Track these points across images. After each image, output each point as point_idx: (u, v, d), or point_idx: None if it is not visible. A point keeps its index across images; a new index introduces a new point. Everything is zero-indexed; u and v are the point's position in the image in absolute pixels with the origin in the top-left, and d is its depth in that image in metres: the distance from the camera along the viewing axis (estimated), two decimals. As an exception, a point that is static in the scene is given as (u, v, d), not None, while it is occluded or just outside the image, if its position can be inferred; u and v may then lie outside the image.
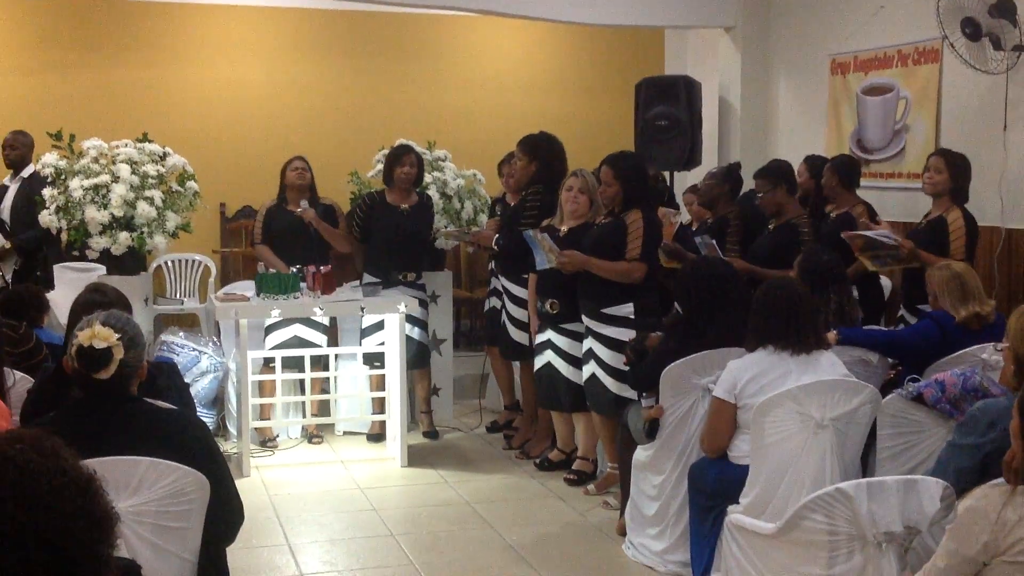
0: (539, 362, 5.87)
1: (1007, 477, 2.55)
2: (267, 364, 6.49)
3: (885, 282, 6.38)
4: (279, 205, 6.69)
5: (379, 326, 6.52)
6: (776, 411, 3.81)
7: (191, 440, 2.94)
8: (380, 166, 7.58)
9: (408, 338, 6.38)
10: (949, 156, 5.51)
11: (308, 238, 6.55)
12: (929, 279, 4.72)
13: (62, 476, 1.44)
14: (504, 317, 6.47)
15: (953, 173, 5.42)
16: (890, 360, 4.76)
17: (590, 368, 5.50)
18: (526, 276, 6.10)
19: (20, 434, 1.47)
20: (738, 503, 3.85)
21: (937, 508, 3.06)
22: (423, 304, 6.63)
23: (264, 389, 6.53)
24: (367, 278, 6.69)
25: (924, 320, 4.69)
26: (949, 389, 3.78)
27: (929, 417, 3.89)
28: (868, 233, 5.42)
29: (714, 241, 5.89)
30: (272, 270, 6.37)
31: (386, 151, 7.21)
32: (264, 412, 6.60)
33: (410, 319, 6.41)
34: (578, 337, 5.63)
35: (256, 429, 6.46)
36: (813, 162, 6.62)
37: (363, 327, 6.61)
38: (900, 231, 5.84)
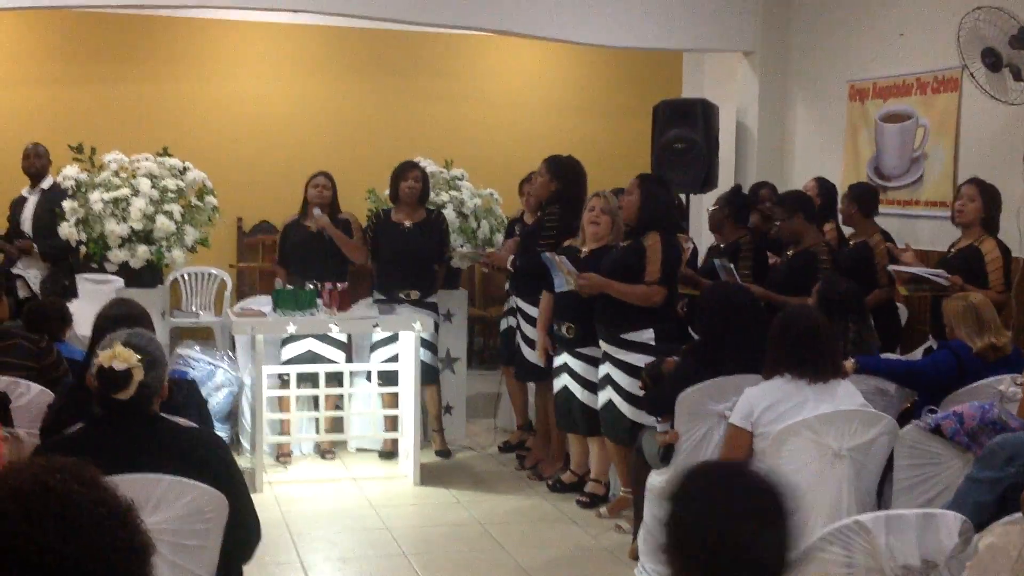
0: (557, 385, 5.87)
1: (1027, 514, 2.55)
2: (281, 379, 6.50)
3: (901, 310, 6.38)
4: (296, 220, 6.71)
5: (389, 340, 6.52)
6: (793, 440, 3.80)
7: (211, 458, 2.95)
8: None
9: None
10: (983, 185, 5.46)
11: (324, 253, 6.56)
12: (945, 310, 4.71)
13: (103, 507, 1.44)
14: (519, 337, 6.47)
15: (986, 202, 5.39)
16: (907, 390, 4.75)
17: (607, 394, 5.47)
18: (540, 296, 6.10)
19: (60, 463, 1.47)
20: (753, 531, 3.83)
21: (955, 542, 3.04)
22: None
23: (277, 404, 6.54)
24: (376, 295, 6.72)
25: (942, 351, 4.68)
26: (968, 422, 3.77)
27: (946, 449, 3.87)
28: (916, 270, 5.34)
29: (732, 266, 5.89)
30: (289, 286, 6.36)
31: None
32: (284, 427, 6.60)
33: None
34: (594, 362, 5.62)
35: (270, 444, 6.47)
36: (823, 183, 6.66)
37: (372, 341, 6.62)
38: (921, 260, 5.83)
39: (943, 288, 5.20)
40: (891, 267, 5.53)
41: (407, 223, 6.63)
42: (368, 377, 6.67)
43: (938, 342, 5.25)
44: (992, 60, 5.75)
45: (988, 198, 5.41)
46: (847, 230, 6.45)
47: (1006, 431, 3.54)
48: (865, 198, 6.17)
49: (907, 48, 7.08)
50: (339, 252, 6.61)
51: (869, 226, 6.12)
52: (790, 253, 5.92)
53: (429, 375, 6.66)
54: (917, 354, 5.47)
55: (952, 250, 5.55)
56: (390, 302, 6.55)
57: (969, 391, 4.30)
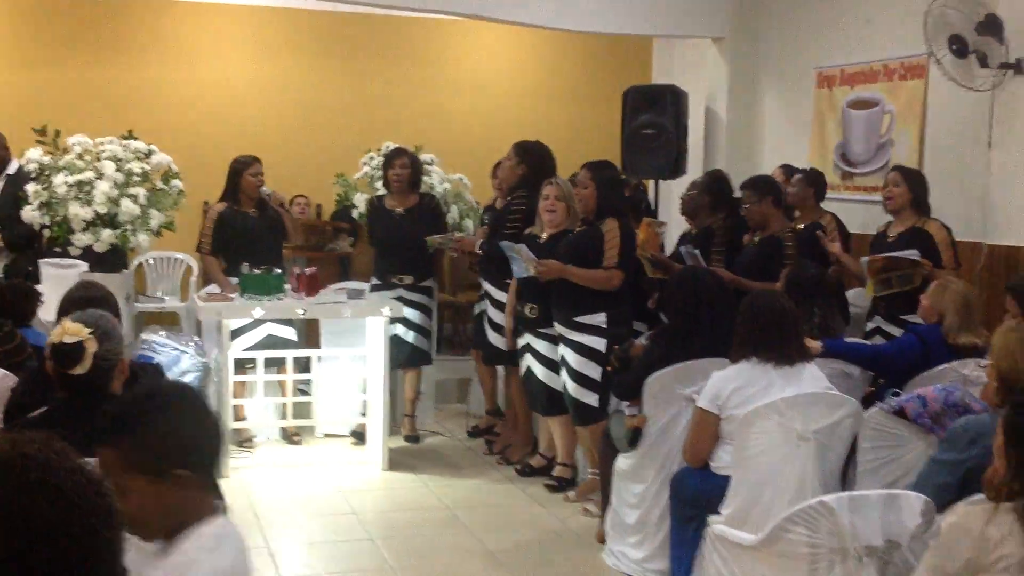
0: (522, 367, 5.91)
1: (988, 494, 2.57)
2: (244, 364, 6.45)
3: (857, 295, 6.43)
4: (233, 208, 6.53)
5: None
6: (759, 423, 3.83)
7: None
8: (366, 168, 7.59)
9: (402, 340, 6.41)
10: (905, 171, 5.71)
11: (268, 238, 6.53)
12: (942, 289, 4.62)
13: (79, 474, 1.46)
14: (485, 321, 6.48)
15: (912, 186, 5.53)
16: (870, 374, 4.79)
17: (564, 375, 5.54)
18: (509, 281, 6.11)
19: (31, 435, 1.47)
20: (719, 513, 3.86)
21: (918, 523, 3.08)
22: (422, 308, 6.64)
23: (241, 390, 6.49)
24: (373, 281, 6.77)
25: (908, 335, 4.71)
26: (931, 404, 3.80)
27: (910, 431, 3.90)
28: (892, 253, 5.41)
29: (697, 251, 5.91)
30: (256, 270, 6.29)
31: (372, 154, 7.22)
32: (240, 413, 6.56)
33: (405, 322, 6.43)
34: (556, 341, 5.66)
35: (233, 430, 6.43)
36: (789, 169, 6.73)
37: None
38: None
39: (911, 279, 5.28)
40: (864, 259, 5.58)
41: (399, 209, 6.65)
42: (338, 362, 6.65)
43: (890, 323, 5.31)
44: (958, 47, 5.79)
45: (913, 182, 5.57)
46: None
47: (969, 414, 3.57)
48: (821, 182, 6.39)
49: (874, 35, 7.13)
50: (278, 238, 6.58)
51: (819, 210, 6.27)
52: (757, 239, 5.95)
53: (418, 359, 6.72)
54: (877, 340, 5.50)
55: (890, 235, 5.58)
56: (386, 287, 6.57)
57: (933, 374, 4.33)
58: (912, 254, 5.33)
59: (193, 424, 2.10)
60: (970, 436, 3.18)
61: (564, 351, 5.51)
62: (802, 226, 6.16)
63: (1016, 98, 5.91)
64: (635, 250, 5.63)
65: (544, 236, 5.71)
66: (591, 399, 5.37)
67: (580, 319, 5.42)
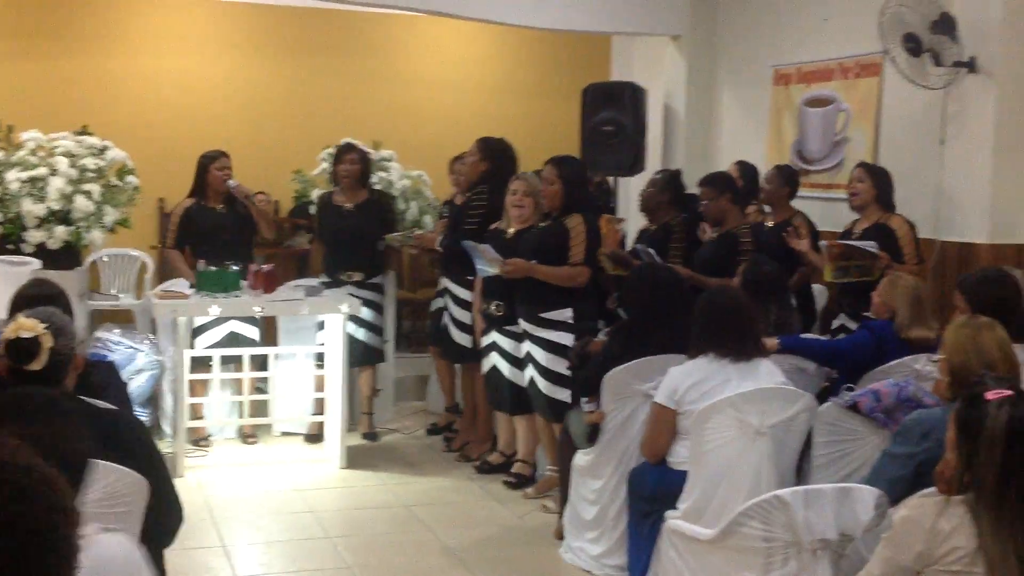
0: (486, 365, 5.89)
1: (940, 487, 2.60)
2: (202, 362, 6.39)
3: (820, 292, 6.48)
4: (199, 204, 6.49)
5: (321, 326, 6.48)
6: (716, 418, 3.85)
7: (130, 440, 2.90)
8: (324, 164, 7.54)
9: (353, 338, 6.36)
10: (869, 167, 5.80)
11: (236, 233, 6.46)
12: (892, 284, 4.66)
13: (39, 470, 1.44)
14: (446, 318, 6.46)
15: (876, 182, 5.64)
16: (826, 369, 4.83)
17: (530, 372, 5.53)
18: (471, 278, 6.10)
19: None
20: (676, 508, 3.88)
21: (871, 516, 3.11)
22: (372, 305, 6.60)
23: (199, 388, 6.44)
24: (323, 277, 6.71)
25: (862, 331, 4.76)
26: (884, 399, 3.84)
27: (864, 426, 3.94)
28: (851, 242, 5.50)
29: (652, 250, 5.93)
30: (212, 267, 6.23)
31: (331, 150, 7.16)
32: (197, 411, 6.50)
33: (356, 320, 6.38)
34: (521, 339, 5.65)
35: (189, 428, 6.37)
36: (745, 166, 6.77)
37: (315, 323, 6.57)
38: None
39: (870, 271, 5.33)
40: (823, 242, 5.64)
41: (348, 205, 6.59)
42: (318, 357, 6.60)
43: (861, 321, 5.36)
44: (913, 45, 5.84)
45: (876, 179, 5.68)
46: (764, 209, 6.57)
47: (921, 408, 3.61)
48: (794, 179, 6.44)
49: (830, 33, 7.18)
50: (245, 231, 6.51)
51: (789, 207, 6.27)
52: (715, 235, 5.99)
53: (370, 356, 6.64)
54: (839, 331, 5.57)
55: (855, 231, 5.65)
56: (334, 284, 6.51)
57: (886, 369, 4.38)
58: (871, 245, 5.40)
59: None
60: (922, 430, 3.22)
61: (531, 348, 5.50)
62: (772, 223, 6.20)
63: (969, 96, 5.98)
64: (599, 247, 5.64)
65: (511, 232, 5.70)
66: (563, 395, 5.35)
67: (547, 315, 5.42)
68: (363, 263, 6.62)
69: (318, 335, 6.56)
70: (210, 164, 6.49)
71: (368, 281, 6.62)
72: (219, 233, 6.43)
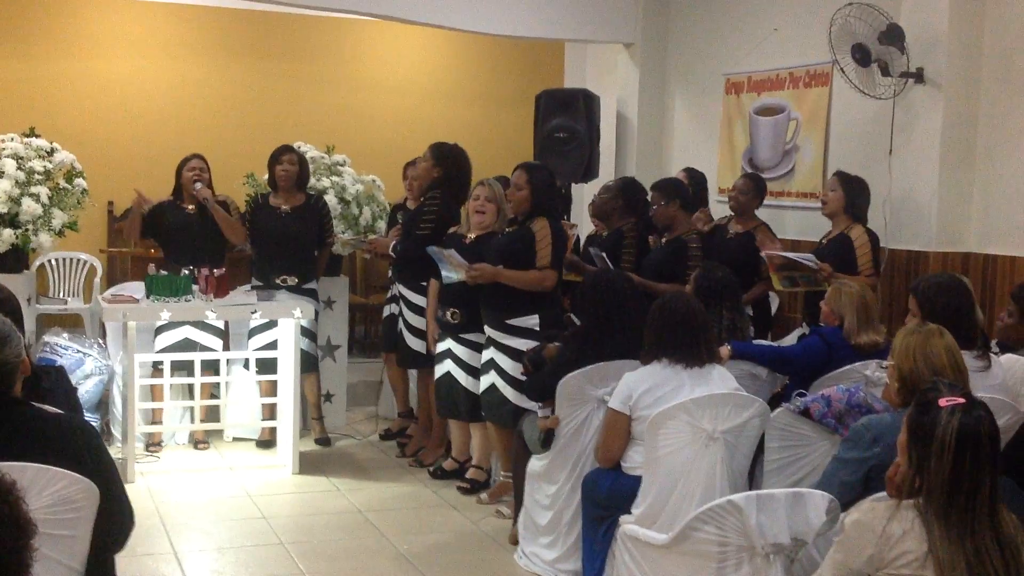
0: (439, 371, 5.86)
1: (890, 491, 2.65)
2: (156, 367, 6.33)
3: (773, 299, 6.56)
4: (172, 202, 6.51)
5: (266, 326, 6.41)
6: (669, 423, 3.87)
7: (79, 445, 2.85)
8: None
9: None
10: (844, 176, 5.86)
11: (203, 236, 6.40)
12: (838, 292, 4.73)
13: None
14: (401, 324, 6.44)
15: (848, 192, 5.74)
16: (778, 375, 4.89)
17: (489, 378, 5.48)
18: (424, 283, 6.08)
19: None
20: (630, 513, 3.91)
21: (823, 521, 3.15)
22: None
23: (151, 393, 6.36)
24: (254, 282, 6.61)
25: (812, 337, 4.82)
26: (835, 404, 3.89)
27: (815, 431, 3.99)
28: (789, 254, 5.60)
29: (604, 254, 5.96)
30: (163, 272, 6.17)
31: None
32: (157, 416, 6.42)
33: None
34: (478, 348, 5.63)
35: (141, 433, 6.30)
36: (693, 172, 6.82)
37: (250, 327, 6.51)
38: (794, 248, 6.03)
39: (814, 281, 5.43)
40: (764, 252, 5.73)
41: (284, 207, 6.54)
42: (246, 365, 6.56)
43: (810, 328, 5.42)
44: (861, 55, 5.94)
45: (850, 188, 5.78)
46: (717, 218, 6.62)
47: (871, 413, 3.67)
48: (764, 189, 6.43)
49: (781, 43, 7.28)
50: (217, 236, 6.45)
51: (755, 217, 6.34)
52: (663, 241, 6.04)
53: (308, 363, 6.56)
54: (791, 339, 5.63)
55: (823, 241, 5.81)
56: (267, 288, 6.44)
57: (837, 375, 4.44)
58: (807, 258, 5.48)
59: None
60: (872, 435, 3.26)
61: (495, 355, 5.44)
62: (736, 233, 6.24)
63: (916, 106, 6.09)
64: (565, 250, 5.63)
65: (471, 237, 5.69)
66: (531, 403, 5.19)
67: (512, 322, 5.38)
68: (297, 267, 6.55)
69: (255, 339, 6.50)
70: (182, 166, 6.49)
71: (302, 287, 6.55)
72: (186, 233, 6.39)
